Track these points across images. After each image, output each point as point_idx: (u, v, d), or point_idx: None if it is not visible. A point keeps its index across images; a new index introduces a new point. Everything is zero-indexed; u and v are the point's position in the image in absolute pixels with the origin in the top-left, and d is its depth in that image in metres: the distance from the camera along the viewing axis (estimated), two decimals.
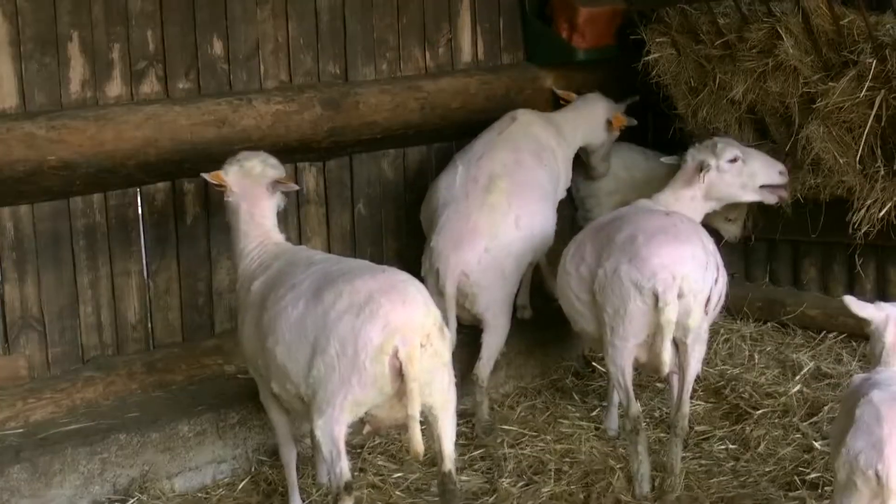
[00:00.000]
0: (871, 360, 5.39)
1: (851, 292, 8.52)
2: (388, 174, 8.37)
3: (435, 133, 8.47)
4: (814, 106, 7.80)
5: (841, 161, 7.84)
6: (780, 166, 7.78)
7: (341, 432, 5.57)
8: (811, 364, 8.14)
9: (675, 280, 6.26)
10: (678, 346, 6.44)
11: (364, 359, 5.43)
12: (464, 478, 6.81)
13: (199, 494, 6.80)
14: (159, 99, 7.19)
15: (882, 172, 7.75)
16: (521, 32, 8.97)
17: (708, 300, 6.44)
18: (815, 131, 7.83)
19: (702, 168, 7.46)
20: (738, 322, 8.96)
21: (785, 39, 7.81)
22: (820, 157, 7.90)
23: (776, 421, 7.37)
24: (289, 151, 7.61)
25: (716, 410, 7.64)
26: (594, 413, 7.72)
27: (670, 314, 6.24)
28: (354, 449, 6.98)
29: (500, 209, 7.60)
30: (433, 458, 6.01)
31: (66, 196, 7.01)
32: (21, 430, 6.74)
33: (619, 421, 7.35)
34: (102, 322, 7.25)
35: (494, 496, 6.66)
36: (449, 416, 5.74)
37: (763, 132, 8.42)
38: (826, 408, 7.41)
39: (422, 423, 5.54)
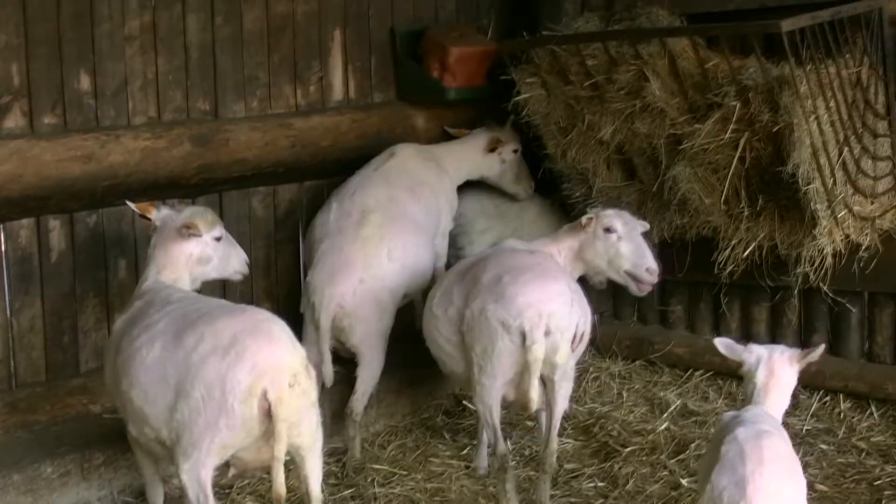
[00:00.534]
0: (745, 399, 5.47)
1: (717, 331, 8.71)
2: (258, 212, 8.31)
3: (306, 171, 8.43)
4: (680, 147, 7.92)
5: (706, 201, 7.96)
6: (651, 264, 7.41)
7: (208, 476, 5.49)
8: (678, 402, 8.25)
9: (542, 318, 6.31)
10: (546, 383, 6.49)
11: (232, 402, 5.37)
12: None
13: None
14: (24, 134, 7.06)
15: (746, 213, 7.89)
16: (392, 71, 8.99)
17: (574, 337, 6.49)
18: (682, 172, 7.94)
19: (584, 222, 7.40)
20: (607, 360, 9.05)
21: (652, 81, 7.94)
22: (686, 198, 8.02)
23: (644, 458, 7.44)
24: (157, 188, 7.53)
25: (585, 448, 7.69)
26: (465, 451, 7.72)
27: (538, 352, 6.29)
28: (223, 489, 6.89)
29: (372, 242, 7.63)
30: (301, 498, 5.93)
31: None
32: None
33: (489, 459, 7.35)
34: None
35: None
36: (316, 456, 5.69)
37: (631, 172, 8.52)
38: (693, 445, 7.50)
39: (288, 463, 5.50)
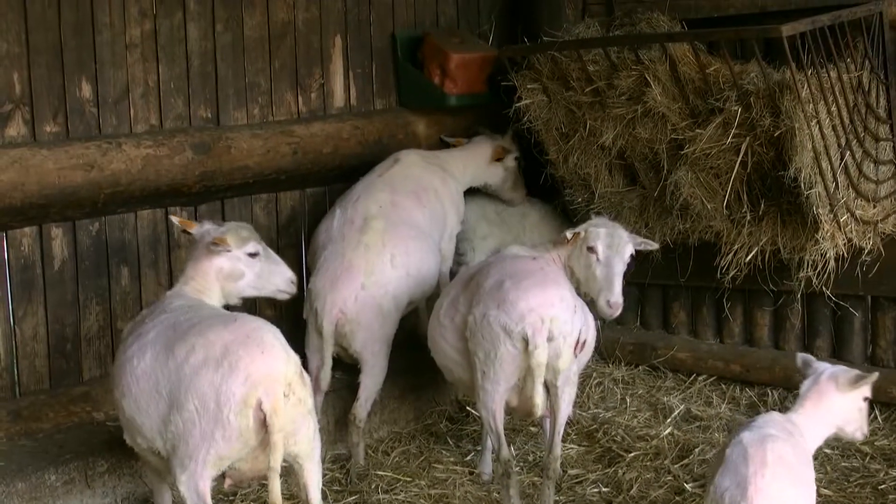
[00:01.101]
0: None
1: (720, 335, 8.72)
2: (260, 219, 8.31)
3: (307, 178, 8.44)
4: (682, 152, 7.92)
5: (708, 206, 7.96)
6: (613, 299, 7.15)
7: (206, 487, 5.48)
8: (682, 407, 8.25)
9: (545, 323, 6.31)
10: (549, 389, 6.49)
11: (227, 413, 5.35)
12: None
13: None
14: (26, 142, 7.05)
15: (748, 218, 7.90)
16: (393, 77, 9.00)
17: (576, 343, 6.49)
18: (684, 177, 7.94)
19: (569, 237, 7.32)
20: (610, 366, 9.06)
21: (653, 87, 7.94)
22: (688, 203, 8.02)
23: (648, 463, 7.44)
24: (159, 196, 7.54)
25: (589, 454, 7.69)
26: (468, 458, 7.72)
27: (540, 357, 6.29)
28: (227, 497, 6.89)
29: (375, 248, 7.62)
30: None
31: None
32: None
33: (493, 465, 7.34)
34: None
35: None
36: (315, 464, 5.68)
37: (633, 178, 8.52)
38: (697, 450, 7.50)
39: (287, 471, 5.50)
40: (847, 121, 7.49)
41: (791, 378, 8.29)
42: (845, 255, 7.75)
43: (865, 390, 5.49)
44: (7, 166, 6.85)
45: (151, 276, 7.73)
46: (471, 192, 8.95)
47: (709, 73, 7.73)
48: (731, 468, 4.91)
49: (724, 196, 7.85)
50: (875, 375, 5.51)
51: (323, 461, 7.26)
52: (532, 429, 7.93)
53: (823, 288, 7.89)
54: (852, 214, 7.62)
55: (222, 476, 5.60)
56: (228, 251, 6.48)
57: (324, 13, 8.49)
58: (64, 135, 7.23)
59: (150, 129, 7.61)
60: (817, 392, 5.45)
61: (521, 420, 7.87)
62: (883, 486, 7.03)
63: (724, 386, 8.64)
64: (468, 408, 8.27)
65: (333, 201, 8.31)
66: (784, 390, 8.39)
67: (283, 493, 5.63)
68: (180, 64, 7.74)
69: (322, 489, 6.16)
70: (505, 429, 6.68)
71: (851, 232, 7.66)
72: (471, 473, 7.49)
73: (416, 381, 8.30)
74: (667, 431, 7.81)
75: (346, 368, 7.67)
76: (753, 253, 7.93)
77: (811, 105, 7.28)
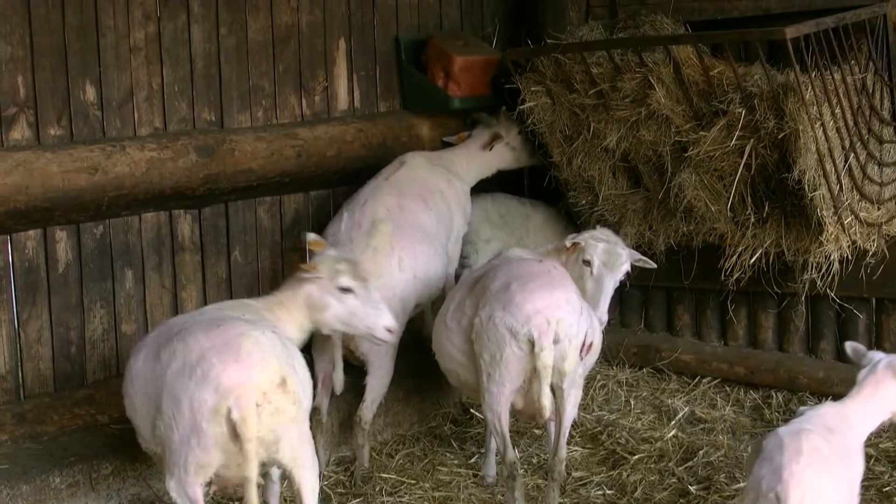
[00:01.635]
0: None
1: (724, 338, 8.72)
2: (264, 221, 8.31)
3: (311, 181, 8.43)
4: (686, 154, 7.92)
5: (712, 208, 7.96)
6: (602, 316, 7.20)
7: (196, 493, 5.49)
8: (686, 409, 8.25)
9: (550, 325, 6.31)
10: (554, 391, 6.47)
11: (200, 421, 5.35)
12: None
13: None
14: (30, 146, 7.05)
15: (752, 220, 7.90)
16: (397, 80, 9.00)
17: (582, 345, 6.49)
18: (688, 179, 7.95)
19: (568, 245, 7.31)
20: (615, 368, 9.06)
21: (657, 89, 7.93)
22: (692, 205, 8.03)
23: (652, 466, 7.44)
24: (163, 199, 7.55)
25: (593, 456, 7.69)
26: (472, 460, 7.72)
27: (546, 359, 6.28)
28: (231, 501, 6.89)
29: (383, 252, 7.61)
30: None
31: None
32: None
33: (497, 467, 7.34)
34: None
35: None
36: (306, 470, 5.63)
37: (636, 180, 8.52)
38: (701, 452, 7.51)
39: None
40: (851, 123, 7.49)
41: (795, 380, 8.35)
42: (849, 257, 7.75)
43: None
44: (11, 169, 6.85)
45: (156, 279, 7.73)
46: (474, 195, 8.94)
47: (712, 76, 7.73)
48: (768, 458, 5.09)
49: (728, 198, 7.85)
50: None
51: (326, 463, 7.33)
52: (536, 431, 7.93)
53: (828, 290, 7.89)
54: (856, 216, 7.62)
55: (208, 483, 5.58)
56: (319, 277, 6.42)
57: (327, 16, 8.50)
58: (68, 138, 7.23)
59: (154, 132, 7.61)
60: (874, 381, 5.55)
61: (525, 422, 7.86)
62: (888, 489, 7.03)
63: (728, 388, 8.65)
64: (472, 410, 8.27)
65: (337, 204, 8.31)
66: (788, 392, 8.39)
67: (284, 496, 5.64)
68: (184, 67, 7.74)
69: (326, 491, 6.17)
70: (510, 431, 6.67)
71: (855, 234, 7.66)
72: (475, 476, 7.49)
73: (421, 383, 8.30)
74: (671, 434, 7.81)
75: (351, 370, 7.67)
76: (757, 255, 7.93)
77: (815, 107, 7.28)
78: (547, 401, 6.34)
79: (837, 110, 7.40)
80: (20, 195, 6.90)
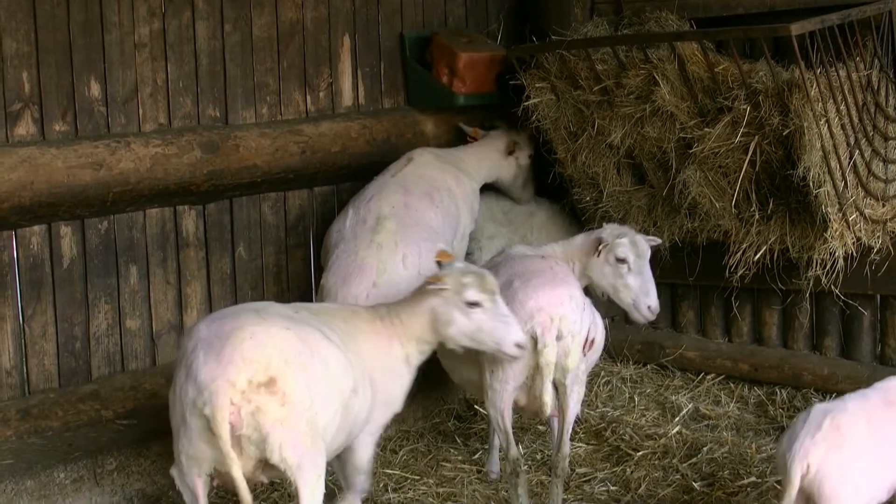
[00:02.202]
0: None
1: (728, 334, 8.70)
2: (268, 218, 8.32)
3: (316, 177, 8.44)
4: (690, 151, 7.92)
5: (717, 205, 7.96)
6: (653, 303, 7.35)
7: (197, 484, 5.48)
8: (690, 405, 8.25)
9: (554, 322, 6.31)
10: (557, 387, 6.48)
11: (185, 412, 5.37)
12: None
13: None
14: (35, 141, 7.07)
15: (757, 216, 7.89)
16: (401, 77, 9.00)
17: (585, 342, 6.49)
18: (692, 176, 7.94)
19: (599, 243, 7.25)
20: (619, 364, 9.06)
21: (661, 85, 7.93)
22: (697, 202, 8.02)
23: (656, 462, 7.44)
24: (168, 195, 7.56)
25: (597, 452, 7.69)
26: (476, 456, 7.72)
27: (549, 356, 6.29)
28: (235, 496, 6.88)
29: (387, 248, 7.61)
30: None
31: None
32: None
33: (501, 464, 7.34)
34: None
35: None
36: (302, 471, 5.44)
37: (641, 177, 8.52)
38: (705, 449, 7.49)
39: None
40: (856, 120, 7.48)
41: (800, 377, 8.35)
42: (854, 254, 7.74)
43: None
44: (16, 165, 6.87)
45: (160, 275, 7.74)
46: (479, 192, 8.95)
47: (717, 72, 7.73)
48: (792, 429, 5.27)
49: (733, 195, 7.85)
50: None
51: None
52: (540, 427, 7.93)
53: (832, 287, 7.88)
54: (861, 213, 7.61)
55: (210, 477, 5.55)
56: (445, 289, 6.21)
57: (332, 13, 8.51)
58: (73, 134, 7.25)
59: (159, 128, 7.63)
60: None
61: (529, 419, 7.86)
62: None
63: (732, 385, 8.64)
64: (476, 406, 8.27)
65: (341, 200, 8.32)
66: (793, 389, 8.38)
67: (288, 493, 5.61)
68: (189, 63, 7.75)
69: (332, 487, 6.14)
70: (513, 427, 6.68)
71: (860, 231, 7.65)
72: (479, 472, 7.49)
73: (425, 379, 8.27)
74: (675, 430, 7.80)
75: None
76: (762, 252, 7.92)
77: (820, 104, 7.26)
78: (549, 398, 6.34)
79: (842, 107, 7.38)
80: (25, 191, 6.91)
